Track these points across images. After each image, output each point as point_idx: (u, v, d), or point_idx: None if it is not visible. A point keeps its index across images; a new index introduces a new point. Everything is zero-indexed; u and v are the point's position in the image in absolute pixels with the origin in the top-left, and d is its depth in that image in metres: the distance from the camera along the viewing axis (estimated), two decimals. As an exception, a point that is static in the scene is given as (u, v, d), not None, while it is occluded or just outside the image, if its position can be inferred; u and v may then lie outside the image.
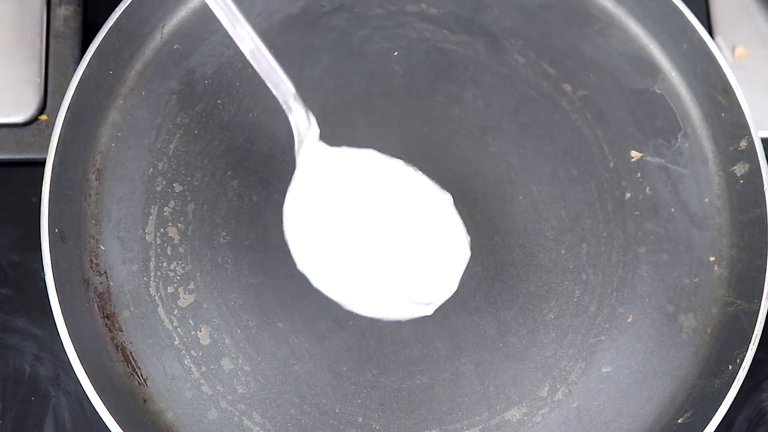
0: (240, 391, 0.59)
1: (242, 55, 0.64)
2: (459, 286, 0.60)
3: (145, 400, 0.59)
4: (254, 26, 0.65)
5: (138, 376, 0.59)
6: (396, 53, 0.65)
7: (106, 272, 0.60)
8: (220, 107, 0.63)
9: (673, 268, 0.62)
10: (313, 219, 0.54)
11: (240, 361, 0.60)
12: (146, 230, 0.61)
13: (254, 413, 0.59)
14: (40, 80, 0.67)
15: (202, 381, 0.59)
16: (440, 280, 0.55)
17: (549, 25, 0.66)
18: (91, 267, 0.60)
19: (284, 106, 0.55)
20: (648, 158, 0.64)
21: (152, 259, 0.61)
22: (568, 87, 0.65)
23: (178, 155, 0.63)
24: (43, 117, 0.67)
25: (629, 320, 0.61)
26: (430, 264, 0.55)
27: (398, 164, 0.56)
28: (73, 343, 0.55)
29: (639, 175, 0.64)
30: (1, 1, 0.68)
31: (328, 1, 0.66)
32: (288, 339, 0.60)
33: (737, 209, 0.62)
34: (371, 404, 0.60)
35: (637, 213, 0.63)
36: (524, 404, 0.60)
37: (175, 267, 0.61)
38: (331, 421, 0.59)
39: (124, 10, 0.60)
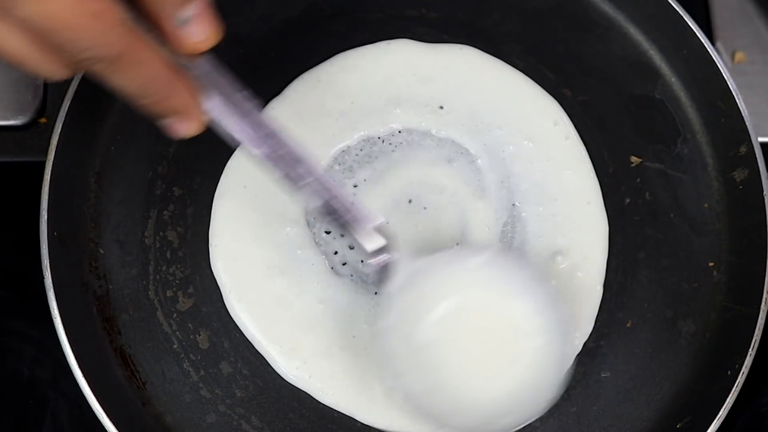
0: (239, 395, 0.59)
1: (242, 58, 0.65)
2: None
3: (143, 404, 0.59)
4: (254, 30, 0.65)
5: (137, 379, 0.59)
6: (396, 57, 0.66)
7: (105, 276, 0.60)
8: (220, 111, 0.63)
9: (672, 274, 0.62)
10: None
11: (239, 365, 0.60)
12: (145, 234, 0.61)
13: (253, 417, 0.59)
14: (40, 83, 0.67)
15: (200, 385, 0.59)
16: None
17: (549, 30, 0.66)
18: (90, 270, 0.60)
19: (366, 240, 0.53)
20: (647, 163, 0.64)
21: (151, 262, 0.61)
22: (567, 92, 0.65)
23: (178, 159, 0.63)
24: (43, 120, 0.67)
25: (628, 325, 0.61)
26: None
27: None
28: (71, 346, 0.55)
29: (638, 180, 0.64)
30: (1, 4, 0.68)
31: (328, 5, 0.66)
32: (287, 343, 0.60)
33: (736, 215, 0.62)
34: (370, 408, 0.60)
35: (636, 218, 0.63)
36: (523, 409, 0.60)
37: (174, 271, 0.61)
38: (330, 425, 0.59)
39: (124, 14, 0.60)
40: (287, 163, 0.50)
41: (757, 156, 0.61)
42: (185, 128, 0.47)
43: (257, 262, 0.60)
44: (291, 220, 0.61)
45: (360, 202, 0.53)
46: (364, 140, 0.63)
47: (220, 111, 0.47)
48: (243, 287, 0.60)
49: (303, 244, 0.61)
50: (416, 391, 0.54)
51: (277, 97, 0.63)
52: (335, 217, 0.52)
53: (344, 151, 0.63)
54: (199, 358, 0.60)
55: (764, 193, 0.60)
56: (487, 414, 0.54)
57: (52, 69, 0.41)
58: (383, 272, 0.54)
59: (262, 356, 0.60)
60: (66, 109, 0.58)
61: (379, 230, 0.53)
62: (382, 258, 0.54)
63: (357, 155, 0.63)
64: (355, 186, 0.62)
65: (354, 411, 0.59)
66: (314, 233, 0.61)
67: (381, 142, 0.63)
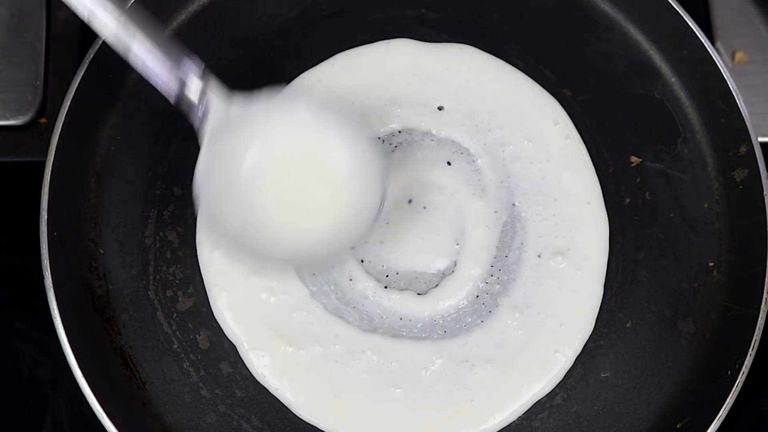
0: (239, 394, 0.59)
1: (242, 58, 0.65)
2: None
3: (143, 404, 0.59)
4: (254, 30, 0.65)
5: (137, 379, 0.59)
6: (396, 57, 0.65)
7: (105, 276, 0.60)
8: (220, 111, 0.63)
9: (672, 273, 0.62)
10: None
11: (239, 365, 0.60)
12: (145, 234, 0.61)
13: (253, 417, 0.59)
14: (40, 83, 0.67)
15: (200, 385, 0.59)
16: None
17: (549, 30, 0.66)
18: (90, 270, 0.60)
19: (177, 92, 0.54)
20: (647, 163, 0.64)
21: (151, 262, 0.61)
22: (567, 92, 0.65)
23: (178, 159, 0.63)
24: (43, 120, 0.67)
25: (628, 325, 0.61)
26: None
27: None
28: (71, 346, 0.55)
29: (638, 180, 0.64)
30: (1, 4, 0.68)
31: (328, 5, 0.66)
32: (287, 343, 0.60)
33: (736, 214, 0.62)
34: (370, 408, 0.60)
35: (636, 218, 0.63)
36: (523, 409, 0.60)
37: (174, 271, 0.61)
38: (330, 426, 0.59)
39: (124, 14, 0.60)
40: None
41: (757, 156, 0.61)
42: None
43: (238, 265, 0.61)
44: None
45: (174, 44, 0.54)
46: (364, 140, 0.63)
47: None
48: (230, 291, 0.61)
49: None
50: (235, 230, 0.55)
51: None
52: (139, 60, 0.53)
53: (344, 151, 0.63)
54: (199, 358, 0.60)
55: (764, 193, 0.60)
56: (305, 247, 0.55)
57: None
58: (201, 116, 0.55)
59: (262, 356, 0.60)
60: (66, 110, 0.58)
61: (195, 75, 0.54)
62: (197, 99, 0.54)
63: (357, 155, 0.63)
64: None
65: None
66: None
67: (381, 142, 0.63)
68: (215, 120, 0.54)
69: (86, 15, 0.52)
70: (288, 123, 0.54)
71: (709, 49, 0.63)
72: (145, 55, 0.53)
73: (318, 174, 0.54)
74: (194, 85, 0.54)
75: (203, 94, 0.54)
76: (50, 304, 0.56)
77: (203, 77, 0.54)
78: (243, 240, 0.55)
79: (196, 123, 0.55)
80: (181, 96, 0.54)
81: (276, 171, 0.54)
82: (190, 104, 0.54)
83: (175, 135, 0.63)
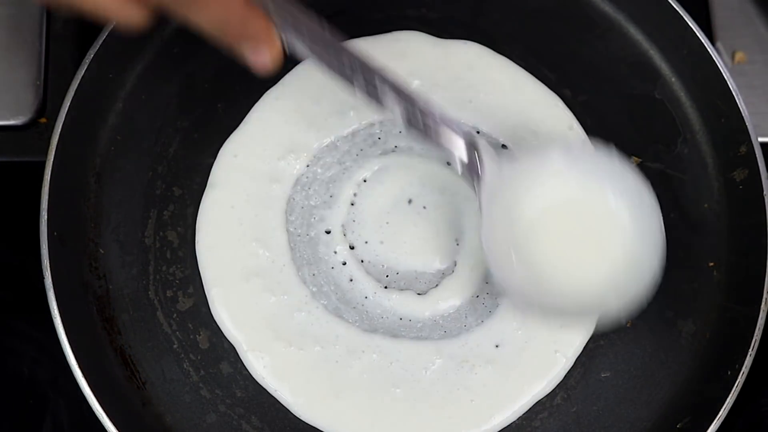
0: (239, 394, 0.59)
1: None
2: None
3: (143, 404, 0.59)
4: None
5: (137, 379, 0.59)
6: (396, 57, 0.65)
7: (105, 275, 0.60)
8: (220, 111, 0.63)
9: (673, 274, 0.62)
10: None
11: (239, 365, 0.60)
12: (145, 234, 0.61)
13: (253, 417, 0.59)
14: (40, 83, 0.67)
15: (200, 385, 0.59)
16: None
17: (549, 30, 0.66)
18: (90, 270, 0.60)
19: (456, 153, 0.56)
20: (647, 163, 0.64)
21: (151, 262, 0.61)
22: (567, 92, 0.65)
23: (178, 159, 0.63)
24: (43, 120, 0.67)
25: (628, 325, 0.61)
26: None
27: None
28: (71, 346, 0.55)
29: (638, 180, 0.64)
30: (0, 4, 0.68)
31: (328, 5, 0.66)
32: (287, 343, 0.60)
33: (736, 215, 0.62)
34: (370, 408, 0.60)
35: (636, 218, 0.63)
36: (523, 409, 0.60)
37: (174, 271, 0.61)
38: (330, 426, 0.59)
39: (124, 14, 0.60)
40: (366, 80, 0.53)
41: (757, 156, 0.61)
42: (262, 57, 0.49)
43: (238, 265, 0.61)
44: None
45: (443, 111, 0.56)
46: (364, 139, 0.63)
47: (295, 38, 0.51)
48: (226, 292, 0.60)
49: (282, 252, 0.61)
50: (517, 287, 0.56)
51: (274, 86, 0.64)
52: (418, 127, 0.54)
53: (345, 151, 0.63)
54: (199, 358, 0.60)
55: (764, 193, 0.60)
56: (585, 302, 0.56)
57: (130, 13, 0.44)
58: (470, 174, 0.56)
59: (262, 356, 0.60)
60: (66, 109, 0.58)
61: (464, 137, 0.55)
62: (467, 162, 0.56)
63: (357, 155, 0.63)
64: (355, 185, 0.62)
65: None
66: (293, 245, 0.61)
67: (381, 141, 0.63)
68: (490, 179, 0.55)
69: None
70: (558, 175, 0.56)
71: (709, 49, 0.63)
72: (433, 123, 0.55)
73: (594, 223, 0.55)
74: (464, 146, 0.55)
75: (474, 154, 0.56)
76: (50, 304, 0.56)
77: (472, 139, 0.56)
78: (532, 297, 0.56)
79: (474, 184, 0.56)
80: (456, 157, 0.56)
81: (555, 229, 0.55)
82: (468, 165, 0.56)
83: (175, 135, 0.63)
